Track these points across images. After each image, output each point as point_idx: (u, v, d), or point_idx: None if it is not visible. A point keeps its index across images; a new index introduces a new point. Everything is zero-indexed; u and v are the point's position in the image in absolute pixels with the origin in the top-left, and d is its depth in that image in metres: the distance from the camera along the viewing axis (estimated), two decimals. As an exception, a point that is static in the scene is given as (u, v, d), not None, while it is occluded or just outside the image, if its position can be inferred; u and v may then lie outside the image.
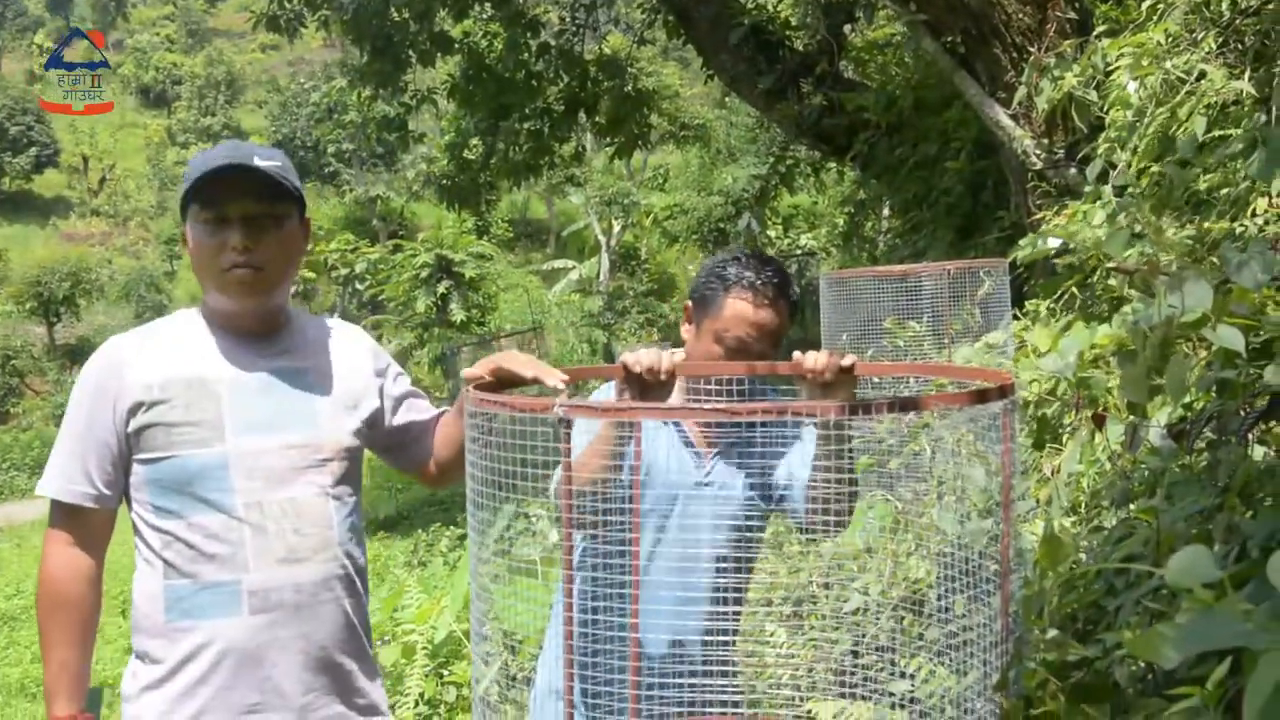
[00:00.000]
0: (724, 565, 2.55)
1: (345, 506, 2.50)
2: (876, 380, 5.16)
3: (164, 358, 2.44)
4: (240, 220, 2.39)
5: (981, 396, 1.78)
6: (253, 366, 2.46)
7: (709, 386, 2.52)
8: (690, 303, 2.74)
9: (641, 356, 2.34)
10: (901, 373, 2.89)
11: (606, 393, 2.78)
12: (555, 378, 2.23)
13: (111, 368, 2.44)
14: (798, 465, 2.63)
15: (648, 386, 2.33)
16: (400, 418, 2.66)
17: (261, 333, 2.50)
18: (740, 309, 2.62)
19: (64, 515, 2.46)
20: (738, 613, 2.58)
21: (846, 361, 2.29)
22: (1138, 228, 3.39)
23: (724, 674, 2.50)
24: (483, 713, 2.21)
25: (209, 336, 2.49)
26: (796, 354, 2.40)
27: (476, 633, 2.12)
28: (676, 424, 2.66)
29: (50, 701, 2.43)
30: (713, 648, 2.49)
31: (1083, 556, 2.33)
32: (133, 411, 2.39)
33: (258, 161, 2.40)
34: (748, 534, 2.63)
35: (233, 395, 2.42)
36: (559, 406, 1.70)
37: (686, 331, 2.75)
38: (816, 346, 2.66)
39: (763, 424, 2.57)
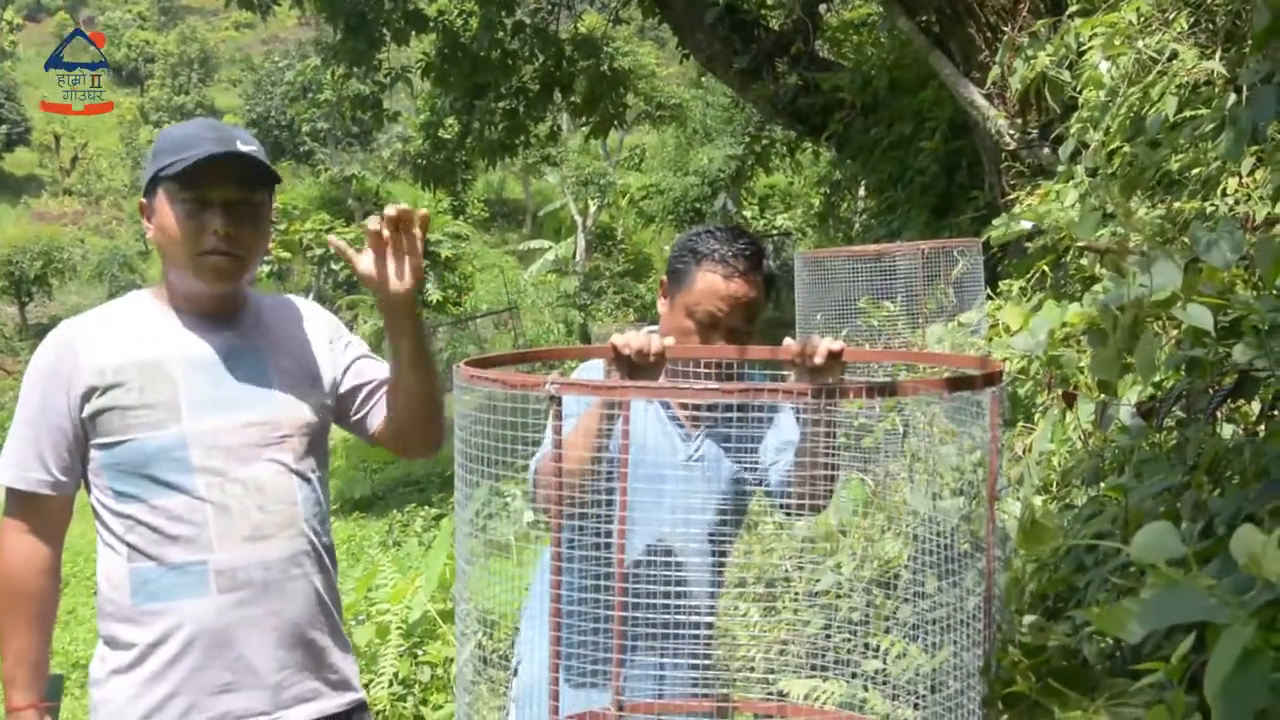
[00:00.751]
0: (715, 544, 2.56)
1: (309, 483, 2.49)
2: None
3: (117, 341, 2.40)
4: (222, 205, 2.36)
5: (967, 384, 1.78)
6: (208, 346, 2.43)
7: (692, 369, 2.53)
8: (665, 278, 2.74)
9: (631, 338, 2.33)
10: (891, 359, 2.89)
11: (588, 373, 2.77)
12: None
13: (64, 352, 2.40)
14: (776, 446, 2.63)
15: (636, 368, 2.33)
16: (349, 381, 2.61)
17: (220, 313, 2.47)
18: (711, 282, 2.61)
19: (20, 503, 2.42)
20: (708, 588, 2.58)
21: (836, 346, 2.29)
22: (1109, 208, 3.40)
23: (711, 659, 2.51)
24: (461, 690, 2.22)
25: (163, 317, 2.45)
26: (786, 340, 2.41)
27: (460, 609, 2.12)
28: (664, 403, 2.65)
29: (9, 691, 2.40)
30: (707, 630, 2.49)
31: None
32: (87, 396, 2.35)
33: (240, 146, 2.38)
34: (737, 514, 2.63)
35: (188, 376, 2.39)
36: (550, 384, 1.70)
37: (662, 306, 2.74)
38: (791, 326, 2.67)
39: (750, 405, 2.57)
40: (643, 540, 2.43)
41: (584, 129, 16.82)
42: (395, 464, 19.32)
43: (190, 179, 2.35)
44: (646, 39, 37.12)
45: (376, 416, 2.64)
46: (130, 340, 2.40)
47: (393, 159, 42.04)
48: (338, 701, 2.52)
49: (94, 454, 2.38)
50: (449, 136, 16.18)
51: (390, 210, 2.30)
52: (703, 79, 28.49)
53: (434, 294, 27.30)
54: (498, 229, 46.83)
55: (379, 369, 2.67)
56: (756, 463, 2.65)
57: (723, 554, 2.64)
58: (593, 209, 35.96)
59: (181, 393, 2.37)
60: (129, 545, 2.36)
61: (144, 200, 2.48)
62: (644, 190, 32.71)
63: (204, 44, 67.89)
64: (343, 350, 2.63)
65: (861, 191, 13.70)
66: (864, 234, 11.51)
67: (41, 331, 38.71)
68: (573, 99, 15.04)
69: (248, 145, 2.40)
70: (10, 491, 2.42)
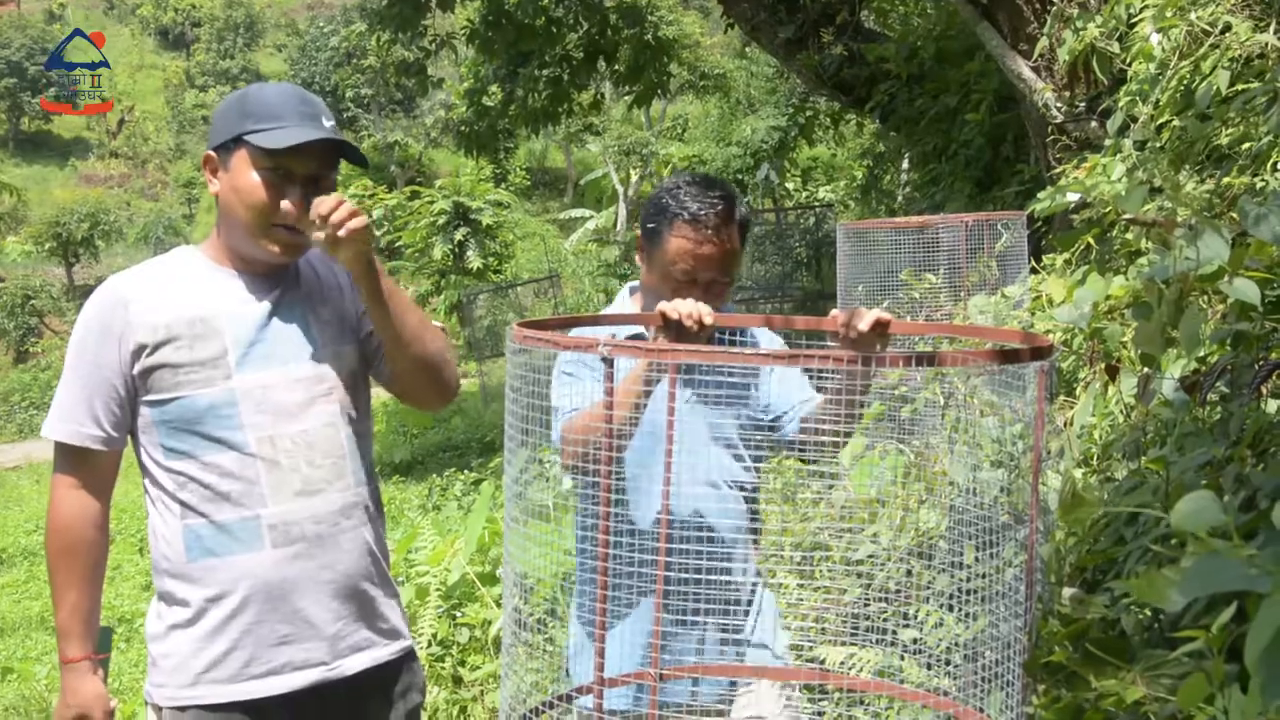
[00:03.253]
0: (725, 484, 2.58)
1: (356, 434, 2.52)
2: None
3: (167, 297, 2.42)
4: (302, 180, 2.40)
5: (1014, 357, 1.78)
6: (255, 302, 2.46)
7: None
8: (639, 234, 2.74)
9: (680, 305, 2.35)
10: (935, 332, 2.88)
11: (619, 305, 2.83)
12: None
13: (115, 308, 2.41)
14: (792, 393, 2.65)
15: (684, 334, 2.35)
16: (364, 327, 2.62)
17: (271, 273, 2.50)
18: (681, 244, 2.60)
19: (71, 458, 2.44)
20: (750, 541, 2.58)
21: (865, 324, 2.28)
22: (1156, 181, 3.37)
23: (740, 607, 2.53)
24: (504, 650, 2.25)
25: (213, 274, 2.48)
26: (833, 311, 2.42)
27: (505, 570, 2.15)
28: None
29: (63, 644, 2.45)
30: (731, 577, 2.51)
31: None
32: (138, 353, 2.38)
33: (325, 124, 2.42)
34: (742, 455, 2.63)
35: (237, 332, 2.41)
36: (603, 345, 1.71)
37: (640, 261, 2.74)
38: (834, 298, 2.68)
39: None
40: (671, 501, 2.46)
41: (627, 98, 16.78)
42: (435, 429, 19.43)
43: (280, 151, 2.37)
44: (691, 8, 36.95)
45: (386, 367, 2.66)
46: (180, 297, 2.42)
47: (435, 126, 42.16)
48: (390, 649, 2.57)
49: (144, 411, 2.41)
50: (492, 104, 16.19)
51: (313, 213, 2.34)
52: (747, 49, 28.32)
53: (475, 261, 27.32)
54: (539, 197, 46.86)
55: None
56: (765, 403, 2.68)
57: (751, 500, 2.64)
58: (634, 178, 35.90)
59: (231, 349, 2.40)
60: (181, 502, 2.40)
61: (214, 153, 2.47)
62: (686, 161, 32.58)
63: (249, 8, 68.02)
64: (359, 298, 2.61)
65: (905, 164, 13.62)
66: (907, 206, 11.45)
67: (88, 292, 38.76)
68: (616, 68, 15.01)
69: (330, 121, 2.44)
70: (61, 447, 2.44)
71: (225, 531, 2.39)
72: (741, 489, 2.60)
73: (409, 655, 2.65)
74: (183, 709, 2.41)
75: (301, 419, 2.43)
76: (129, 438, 2.48)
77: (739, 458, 2.61)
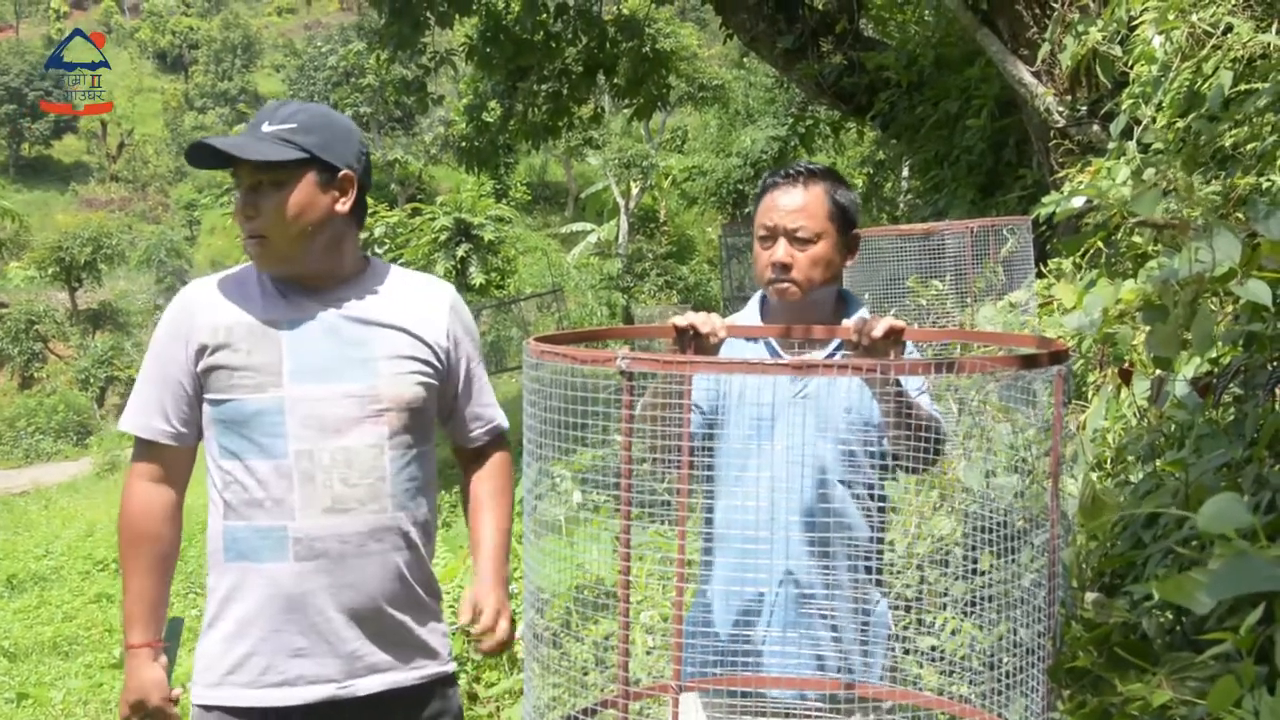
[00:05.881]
0: (827, 479, 2.54)
1: (404, 458, 2.53)
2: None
3: (231, 303, 2.50)
4: (246, 189, 2.46)
5: (1034, 362, 1.79)
6: (315, 314, 2.50)
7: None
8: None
9: (691, 316, 2.36)
10: (948, 339, 2.88)
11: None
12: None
13: (183, 310, 2.52)
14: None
15: (700, 345, 2.35)
16: (453, 401, 2.71)
17: (321, 284, 2.53)
18: (766, 199, 2.67)
19: (144, 451, 2.55)
20: (853, 539, 2.52)
21: (878, 331, 2.28)
22: (1165, 183, 3.38)
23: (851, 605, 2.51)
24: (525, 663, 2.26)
25: (275, 283, 2.53)
26: (845, 320, 2.43)
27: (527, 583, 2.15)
28: (768, 344, 2.67)
29: (127, 629, 2.52)
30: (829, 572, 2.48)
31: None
32: (200, 353, 2.46)
33: (266, 127, 2.45)
34: (852, 452, 2.58)
35: (293, 343, 2.46)
36: (621, 359, 1.72)
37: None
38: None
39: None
40: (761, 488, 2.45)
41: (626, 111, 16.80)
42: (442, 446, 19.39)
43: (204, 164, 2.50)
44: (688, 20, 37.04)
45: (458, 435, 2.79)
46: (242, 303, 2.51)
47: (435, 143, 42.17)
48: (415, 675, 2.57)
49: (206, 408, 2.50)
50: (492, 119, 16.21)
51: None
52: (744, 59, 28.37)
53: (478, 277, 27.38)
54: (540, 212, 46.91)
55: (479, 408, 2.77)
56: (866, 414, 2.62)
57: (875, 495, 2.59)
58: (635, 191, 35.93)
59: (286, 359, 2.45)
60: (225, 502, 2.48)
61: None
62: (686, 172, 32.66)
63: (247, 29, 68.27)
64: (463, 358, 2.69)
65: (905, 171, 13.62)
66: (909, 214, 11.43)
67: (92, 317, 39.13)
68: (616, 81, 15.02)
69: (279, 124, 2.46)
70: (136, 439, 2.55)
71: (257, 536, 2.45)
72: (849, 486, 2.55)
73: (443, 681, 2.65)
74: (208, 708, 2.48)
75: (345, 436, 2.46)
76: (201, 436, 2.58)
77: (850, 454, 2.57)
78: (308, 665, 2.45)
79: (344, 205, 2.53)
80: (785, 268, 2.61)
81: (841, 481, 2.53)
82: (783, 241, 2.62)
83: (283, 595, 2.43)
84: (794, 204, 2.63)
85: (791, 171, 2.67)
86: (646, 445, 2.26)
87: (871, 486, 2.54)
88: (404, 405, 2.52)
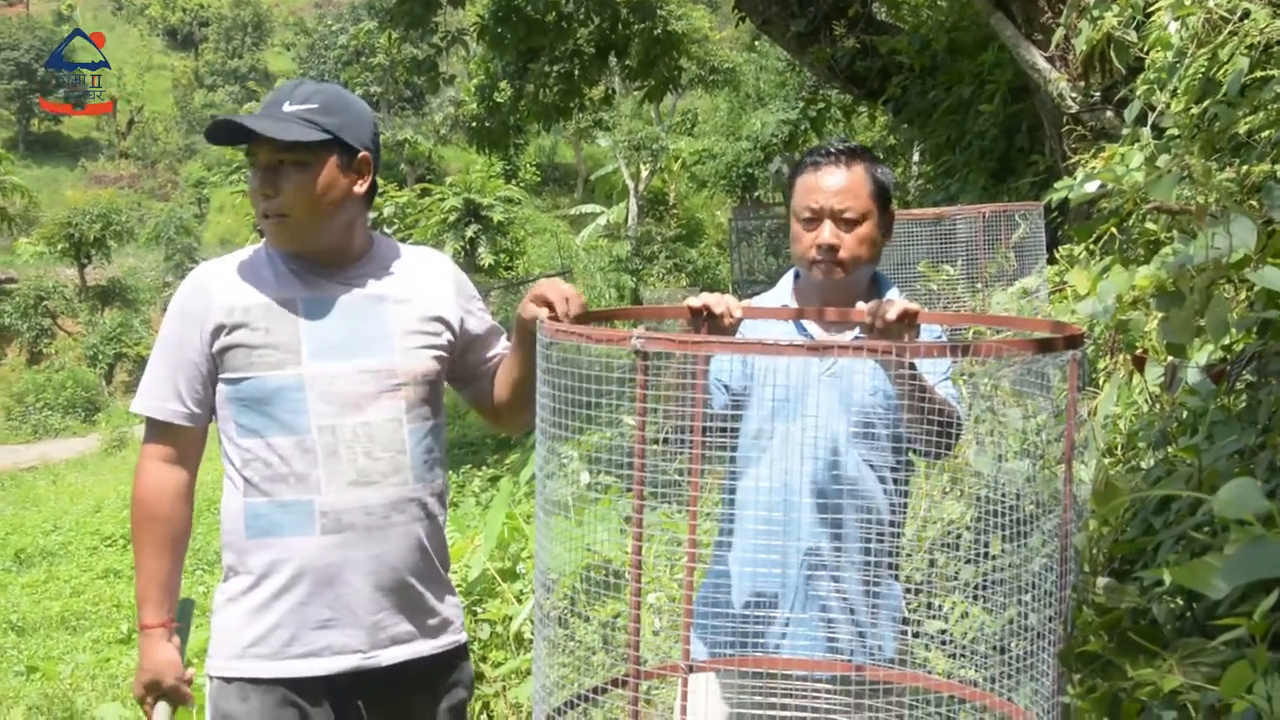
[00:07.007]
0: (851, 458, 2.52)
1: (421, 431, 2.56)
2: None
3: (246, 282, 2.52)
4: (265, 168, 2.47)
5: (1050, 345, 1.79)
6: (330, 292, 2.53)
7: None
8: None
9: (706, 298, 2.36)
10: (962, 323, 2.87)
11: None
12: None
13: (197, 291, 2.53)
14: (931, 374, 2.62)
15: (715, 327, 2.35)
16: (473, 350, 2.71)
17: (334, 263, 2.55)
18: (804, 179, 2.66)
19: (157, 432, 2.56)
20: (881, 521, 2.50)
21: (893, 314, 2.27)
22: (1180, 169, 3.36)
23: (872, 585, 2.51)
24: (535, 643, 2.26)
25: (289, 262, 2.55)
26: (859, 304, 2.42)
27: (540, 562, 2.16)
28: (798, 324, 2.66)
29: (140, 609, 2.54)
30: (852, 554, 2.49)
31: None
32: (216, 333, 2.47)
33: (287, 107, 2.46)
34: (877, 433, 2.56)
35: (310, 321, 2.49)
36: (636, 339, 1.71)
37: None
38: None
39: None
40: (805, 463, 2.47)
41: (636, 93, 16.78)
42: (450, 426, 19.45)
43: (224, 140, 2.52)
44: (699, 2, 36.94)
45: (486, 387, 2.75)
46: (258, 282, 2.52)
47: (445, 123, 42.16)
48: (433, 645, 2.60)
49: (221, 388, 2.51)
50: (502, 100, 16.19)
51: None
52: (756, 43, 28.30)
53: (486, 257, 27.41)
54: (549, 193, 46.86)
55: (500, 344, 2.76)
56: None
57: (897, 478, 2.57)
58: (645, 174, 35.91)
59: (303, 336, 2.48)
60: (245, 479, 2.49)
61: None
62: (696, 155, 32.60)
63: (257, 7, 68.18)
64: (471, 315, 2.70)
65: (916, 156, 13.59)
66: (920, 199, 11.41)
67: (100, 293, 39.18)
68: (627, 63, 15.00)
69: (299, 104, 2.47)
70: (148, 420, 2.56)
71: (280, 512, 2.47)
72: (872, 467, 2.54)
73: (457, 652, 2.68)
74: (229, 680, 2.50)
75: (365, 411, 2.49)
76: (213, 416, 2.58)
77: (871, 435, 2.55)
78: (334, 636, 2.48)
79: (361, 187, 2.55)
80: (833, 249, 2.60)
81: (866, 462, 2.53)
82: (828, 223, 2.61)
83: (310, 568, 2.45)
84: (838, 184, 2.62)
85: (832, 151, 2.66)
86: (662, 425, 2.26)
87: (895, 469, 2.54)
88: (419, 379, 2.55)
